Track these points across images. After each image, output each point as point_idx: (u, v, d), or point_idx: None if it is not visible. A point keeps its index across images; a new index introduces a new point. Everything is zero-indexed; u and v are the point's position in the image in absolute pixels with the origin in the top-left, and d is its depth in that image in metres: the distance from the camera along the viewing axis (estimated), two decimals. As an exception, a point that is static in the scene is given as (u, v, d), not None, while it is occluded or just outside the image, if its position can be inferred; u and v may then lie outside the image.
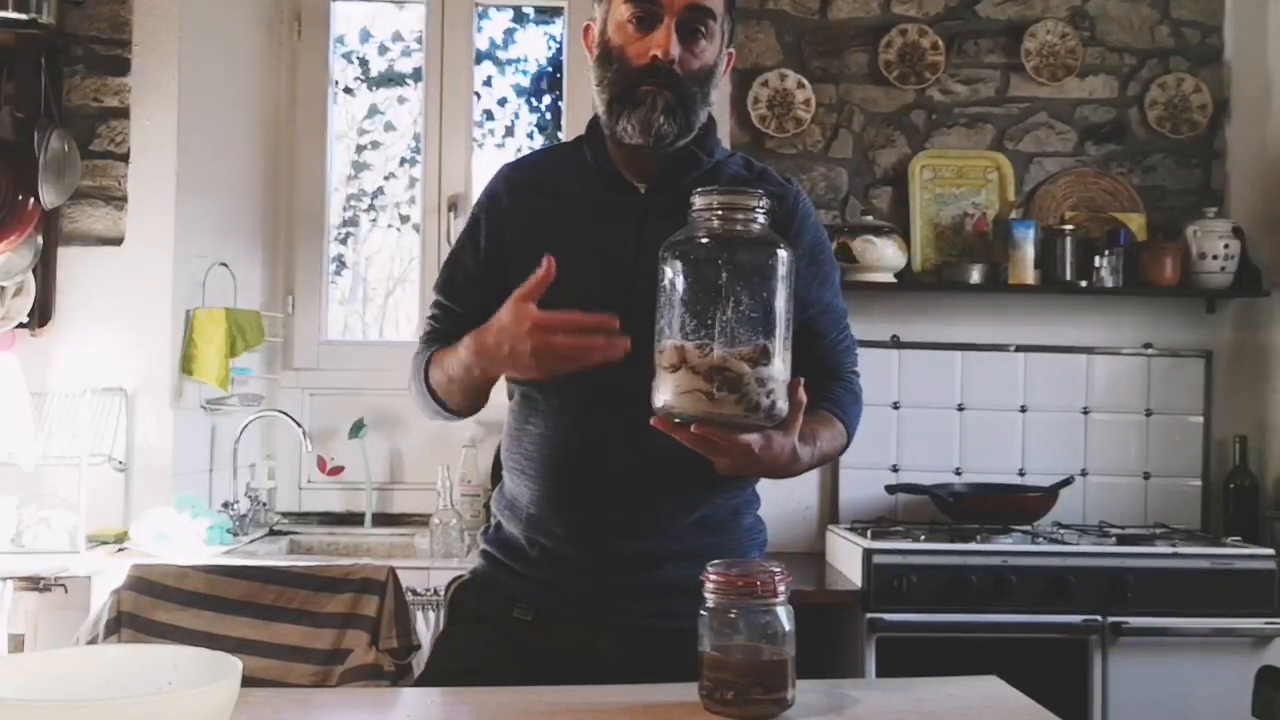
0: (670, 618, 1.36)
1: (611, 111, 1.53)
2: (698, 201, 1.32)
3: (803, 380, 1.34)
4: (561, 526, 1.54)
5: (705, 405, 1.26)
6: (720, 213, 1.31)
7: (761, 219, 1.32)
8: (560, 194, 1.60)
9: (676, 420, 1.28)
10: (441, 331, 1.62)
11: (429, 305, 1.68)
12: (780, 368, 1.29)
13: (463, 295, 1.62)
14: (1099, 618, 2.58)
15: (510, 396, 1.65)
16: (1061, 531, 2.84)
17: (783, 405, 1.30)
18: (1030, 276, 3.00)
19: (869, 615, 2.57)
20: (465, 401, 1.57)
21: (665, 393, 1.29)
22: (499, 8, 3.53)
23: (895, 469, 3.13)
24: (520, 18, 3.58)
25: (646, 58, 1.49)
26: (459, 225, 3.31)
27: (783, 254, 1.31)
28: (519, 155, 3.46)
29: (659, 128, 1.50)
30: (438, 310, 1.65)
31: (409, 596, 2.39)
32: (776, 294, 1.30)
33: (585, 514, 1.53)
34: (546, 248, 1.54)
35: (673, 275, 1.30)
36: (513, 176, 1.64)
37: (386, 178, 3.59)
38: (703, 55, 1.52)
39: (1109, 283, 3.02)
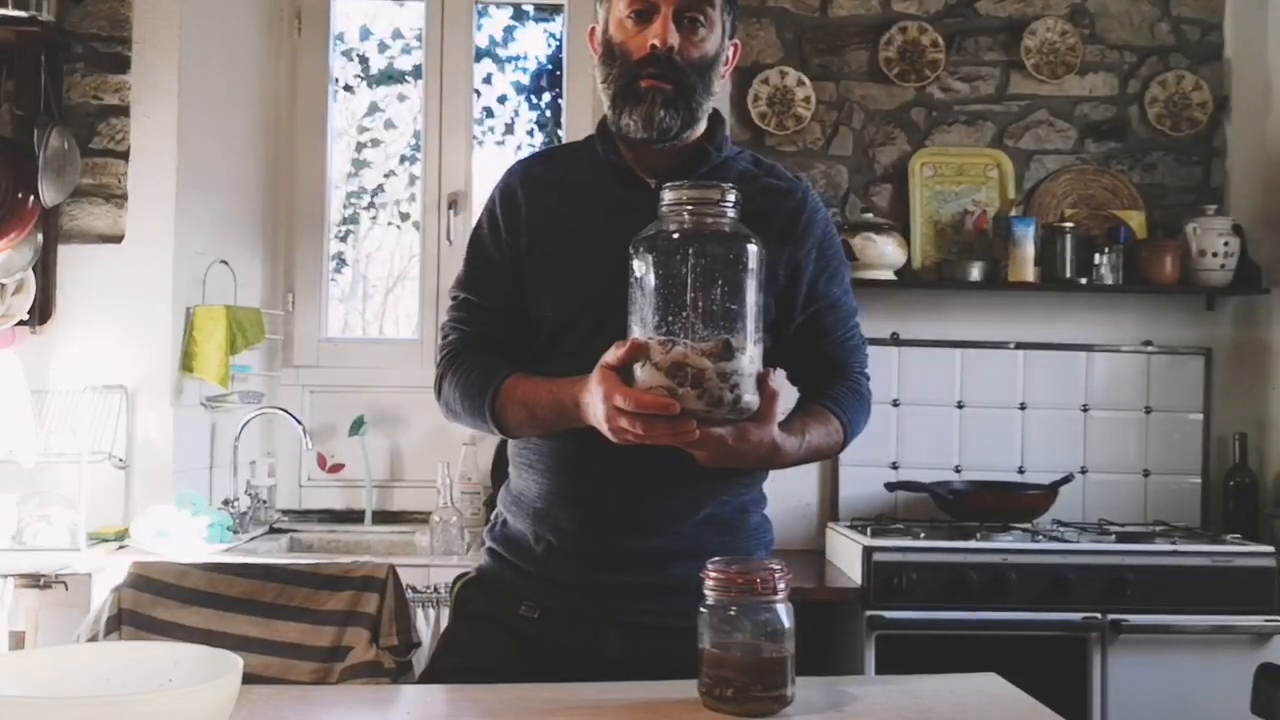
0: (677, 616, 1.36)
1: (615, 107, 1.56)
2: (667, 196, 1.33)
3: (773, 371, 1.35)
4: (569, 520, 1.55)
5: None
6: (689, 207, 1.31)
7: (731, 213, 1.32)
8: (572, 189, 1.61)
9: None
10: (469, 332, 1.61)
11: (448, 307, 1.65)
12: (748, 362, 1.29)
13: (488, 287, 1.61)
14: (1098, 615, 2.58)
15: None
16: (1061, 529, 2.84)
17: (750, 399, 1.30)
18: (1030, 274, 3.00)
19: (868, 613, 2.57)
20: (526, 430, 1.55)
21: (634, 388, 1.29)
22: (499, 5, 3.53)
23: (895, 466, 3.13)
24: (520, 15, 3.58)
25: (645, 49, 1.51)
26: (459, 223, 3.34)
27: (751, 248, 1.32)
28: (526, 152, 3.50)
29: (660, 121, 1.52)
30: (461, 311, 1.63)
31: (409, 594, 2.38)
32: (745, 288, 1.30)
33: (593, 508, 1.54)
34: (560, 242, 1.56)
35: (642, 270, 1.31)
36: (527, 172, 1.65)
37: (386, 175, 3.59)
38: (702, 45, 1.54)
39: (1109, 280, 3.03)
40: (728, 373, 1.27)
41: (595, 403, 1.34)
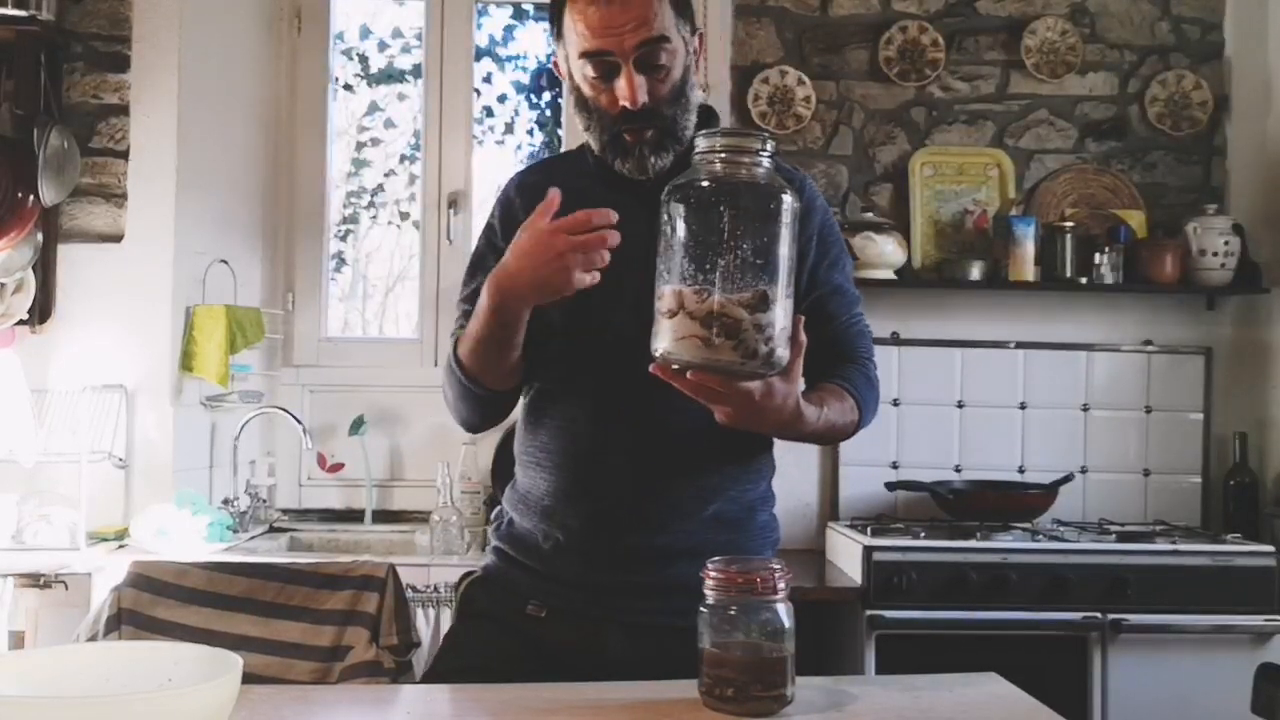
0: (680, 615, 1.36)
1: (605, 154, 1.57)
2: (701, 144, 1.30)
3: (804, 319, 1.33)
4: (576, 517, 1.55)
5: (702, 351, 1.24)
6: (723, 155, 1.28)
7: (766, 163, 1.29)
8: (569, 196, 1.60)
9: (675, 367, 1.27)
10: None
11: (456, 318, 1.66)
12: (780, 315, 1.27)
13: None
14: (1099, 615, 2.58)
15: (524, 394, 1.66)
16: (1061, 529, 2.84)
17: (782, 353, 1.28)
18: (1030, 273, 3.00)
19: (869, 612, 2.57)
20: (486, 364, 1.53)
21: (663, 339, 1.27)
22: (498, 4, 3.53)
23: (895, 466, 3.13)
24: (520, 14, 3.58)
25: (617, 108, 1.51)
26: (459, 222, 3.34)
27: (787, 199, 1.28)
28: (526, 152, 3.51)
29: (653, 166, 1.54)
30: (465, 320, 1.63)
31: (409, 593, 2.38)
32: (779, 240, 1.27)
33: (600, 505, 1.54)
34: None
35: (674, 219, 1.28)
36: (524, 182, 1.67)
37: (386, 174, 3.59)
38: (669, 75, 1.53)
39: (1109, 279, 3.02)
40: (763, 324, 1.25)
41: (521, 238, 1.39)
